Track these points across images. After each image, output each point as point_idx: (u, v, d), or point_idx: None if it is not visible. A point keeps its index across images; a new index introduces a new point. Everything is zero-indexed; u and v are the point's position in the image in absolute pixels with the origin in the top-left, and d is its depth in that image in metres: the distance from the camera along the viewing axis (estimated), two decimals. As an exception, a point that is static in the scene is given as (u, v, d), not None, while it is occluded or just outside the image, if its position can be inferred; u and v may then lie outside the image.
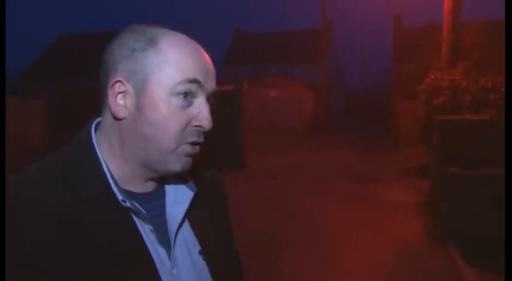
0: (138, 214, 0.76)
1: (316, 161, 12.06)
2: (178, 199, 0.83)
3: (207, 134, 0.79)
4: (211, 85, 0.78)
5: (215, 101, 0.81)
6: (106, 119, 0.78)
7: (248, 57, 34.66)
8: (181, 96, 0.74)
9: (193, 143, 0.77)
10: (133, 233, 0.75)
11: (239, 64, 34.27)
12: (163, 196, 0.84)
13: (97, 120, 0.81)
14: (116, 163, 0.77)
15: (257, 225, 5.58)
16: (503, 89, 5.82)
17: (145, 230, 0.77)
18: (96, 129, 0.80)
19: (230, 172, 9.01)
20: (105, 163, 0.76)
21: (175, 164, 0.76)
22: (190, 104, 0.75)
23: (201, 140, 0.78)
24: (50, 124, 12.33)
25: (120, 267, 0.71)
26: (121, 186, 0.77)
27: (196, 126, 0.76)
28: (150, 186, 0.82)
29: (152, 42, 0.75)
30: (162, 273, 0.76)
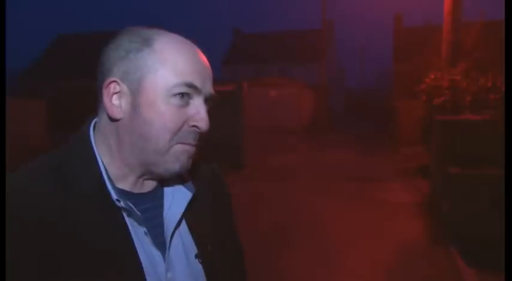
0: (132, 214, 0.75)
1: (316, 161, 12.06)
2: (176, 200, 0.82)
3: (203, 137, 0.78)
4: (208, 88, 0.77)
5: (213, 105, 0.80)
6: (103, 120, 0.77)
7: (248, 57, 34.65)
8: (178, 96, 0.73)
9: (189, 144, 0.76)
10: (122, 234, 0.73)
11: (239, 64, 34.26)
12: (162, 196, 0.82)
13: (95, 120, 0.80)
14: (114, 163, 0.76)
15: (257, 225, 5.57)
16: (503, 89, 5.81)
17: (139, 232, 0.75)
18: (94, 129, 0.79)
19: (230, 172, 9.01)
20: (102, 161, 0.75)
21: (174, 164, 0.75)
22: (187, 104, 0.75)
23: (197, 142, 0.77)
24: (50, 124, 12.32)
25: (106, 268, 0.70)
26: (118, 185, 0.76)
27: (193, 126, 0.75)
28: (148, 186, 0.81)
29: (147, 42, 0.74)
30: (153, 277, 0.74)
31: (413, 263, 4.38)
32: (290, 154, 13.31)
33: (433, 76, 7.44)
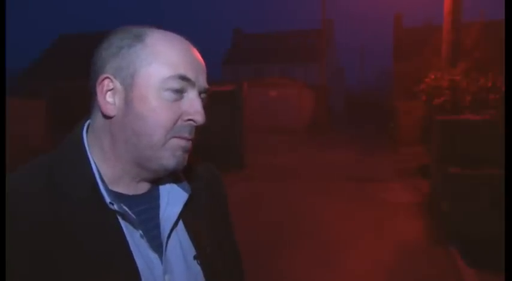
0: (127, 217, 0.73)
1: (316, 161, 12.06)
2: (172, 201, 0.80)
3: (199, 130, 0.77)
4: (202, 81, 0.76)
5: (208, 98, 0.79)
6: (96, 120, 0.76)
7: (248, 57, 34.66)
8: (171, 91, 0.72)
9: (185, 138, 0.75)
10: (117, 237, 0.72)
11: (239, 64, 34.27)
12: (157, 197, 0.81)
13: (88, 121, 0.79)
14: (108, 164, 0.75)
15: (257, 225, 5.57)
16: (503, 89, 5.81)
17: (134, 235, 0.74)
18: (87, 131, 0.78)
19: (230, 172, 9.00)
20: (95, 164, 0.74)
21: (169, 160, 0.74)
22: (180, 98, 0.74)
23: (193, 136, 0.76)
24: (50, 124, 12.31)
25: (101, 272, 0.68)
26: (111, 188, 0.75)
27: (188, 120, 0.74)
28: (143, 187, 0.79)
29: (139, 38, 0.74)
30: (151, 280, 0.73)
31: (413, 263, 4.38)
32: (290, 154, 13.32)
33: (433, 76, 7.44)
